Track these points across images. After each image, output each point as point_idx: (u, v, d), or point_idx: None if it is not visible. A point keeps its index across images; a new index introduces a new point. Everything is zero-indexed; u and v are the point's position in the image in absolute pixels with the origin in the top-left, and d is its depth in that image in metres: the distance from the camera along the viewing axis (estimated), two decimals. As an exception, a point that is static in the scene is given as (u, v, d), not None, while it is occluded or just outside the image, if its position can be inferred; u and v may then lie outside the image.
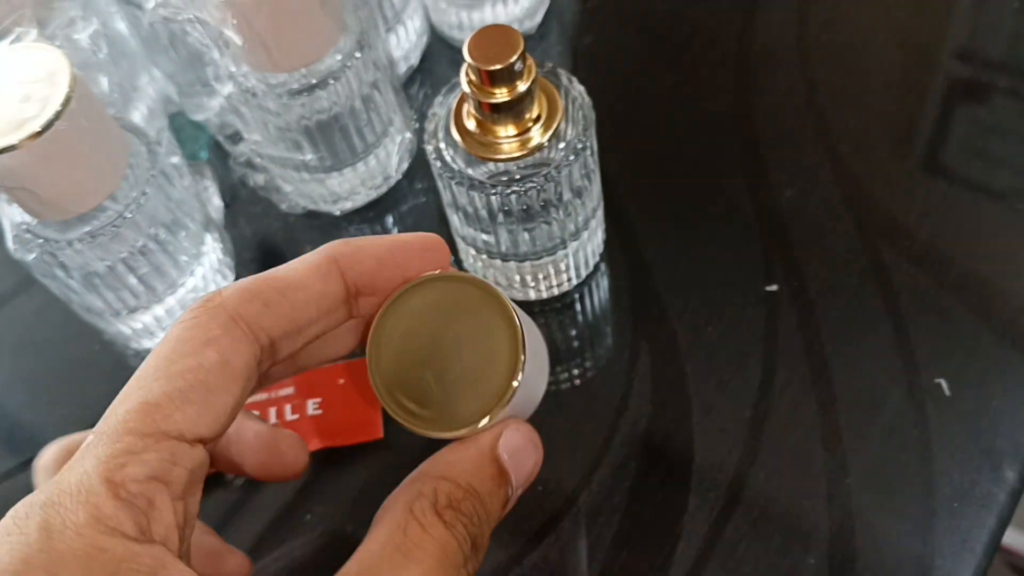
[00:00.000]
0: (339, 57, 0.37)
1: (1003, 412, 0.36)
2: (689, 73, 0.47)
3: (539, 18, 0.50)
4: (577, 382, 0.39)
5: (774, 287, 0.39)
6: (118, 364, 0.43)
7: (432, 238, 0.25)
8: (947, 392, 0.36)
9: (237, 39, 0.34)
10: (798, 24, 0.47)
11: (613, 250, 0.42)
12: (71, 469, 0.20)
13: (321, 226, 0.45)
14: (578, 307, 0.41)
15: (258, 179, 0.44)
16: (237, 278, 0.43)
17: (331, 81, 0.37)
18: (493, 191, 0.34)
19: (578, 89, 0.35)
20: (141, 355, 0.43)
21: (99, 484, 0.19)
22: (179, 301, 0.42)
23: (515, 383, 0.23)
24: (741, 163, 0.43)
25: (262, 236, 0.46)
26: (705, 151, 0.44)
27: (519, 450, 0.24)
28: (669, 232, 0.42)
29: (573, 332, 0.40)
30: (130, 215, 0.37)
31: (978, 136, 0.43)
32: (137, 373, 0.21)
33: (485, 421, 0.23)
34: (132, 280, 0.39)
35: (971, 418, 0.36)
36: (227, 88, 0.38)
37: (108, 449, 0.20)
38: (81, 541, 0.18)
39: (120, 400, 0.21)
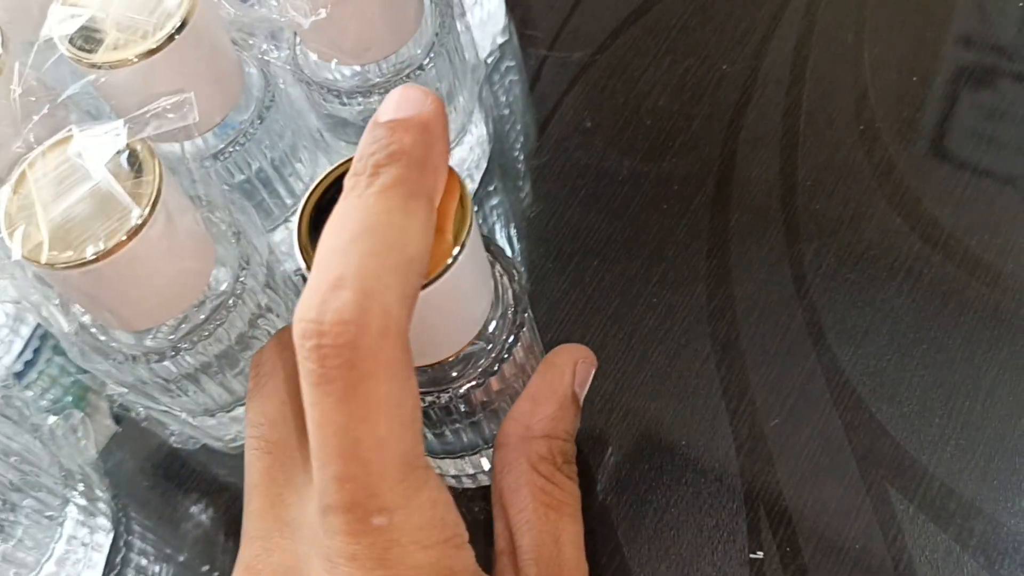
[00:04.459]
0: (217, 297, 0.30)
1: None
2: (652, 254, 0.39)
3: (478, 178, 0.43)
4: None
5: (760, 555, 0.32)
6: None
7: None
8: None
9: (71, 320, 0.27)
10: (781, 195, 0.40)
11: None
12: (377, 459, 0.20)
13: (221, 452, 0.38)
14: None
15: (139, 411, 0.37)
16: (116, 532, 0.37)
17: (195, 339, 0.30)
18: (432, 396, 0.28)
19: (509, 266, 0.28)
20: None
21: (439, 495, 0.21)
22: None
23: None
24: (718, 378, 0.36)
25: (152, 466, 0.39)
26: (674, 361, 0.36)
27: (587, 381, 0.29)
28: (631, 471, 0.35)
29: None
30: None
31: (986, 311, 0.36)
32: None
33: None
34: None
35: None
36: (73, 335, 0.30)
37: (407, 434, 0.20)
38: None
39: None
